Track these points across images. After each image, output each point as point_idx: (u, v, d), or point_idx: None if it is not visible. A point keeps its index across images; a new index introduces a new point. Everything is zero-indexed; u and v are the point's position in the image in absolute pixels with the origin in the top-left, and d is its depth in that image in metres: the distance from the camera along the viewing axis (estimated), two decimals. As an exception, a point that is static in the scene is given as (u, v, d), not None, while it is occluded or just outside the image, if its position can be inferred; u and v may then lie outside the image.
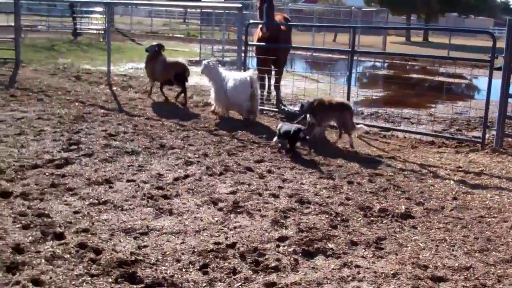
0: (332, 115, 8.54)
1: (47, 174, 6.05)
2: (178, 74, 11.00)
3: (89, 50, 22.35)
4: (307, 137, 7.66)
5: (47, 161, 6.50)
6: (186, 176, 6.31)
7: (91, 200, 5.36)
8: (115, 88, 12.42)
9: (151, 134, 8.24)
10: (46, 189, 5.56)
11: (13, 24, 15.74)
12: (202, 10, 36.92)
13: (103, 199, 5.38)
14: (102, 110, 9.78)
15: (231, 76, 9.84)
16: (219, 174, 6.47)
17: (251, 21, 12.37)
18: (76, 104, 10.23)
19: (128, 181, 6.02)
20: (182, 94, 11.18)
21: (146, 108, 10.28)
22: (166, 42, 28.41)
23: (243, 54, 10.86)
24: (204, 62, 10.29)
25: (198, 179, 6.24)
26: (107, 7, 14.95)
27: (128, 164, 6.65)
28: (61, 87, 11.89)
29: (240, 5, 11.06)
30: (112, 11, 33.45)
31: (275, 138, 8.10)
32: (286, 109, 11.12)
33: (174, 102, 11.20)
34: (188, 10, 48.67)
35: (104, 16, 31.97)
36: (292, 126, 7.78)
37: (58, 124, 8.51)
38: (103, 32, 29.58)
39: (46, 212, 4.97)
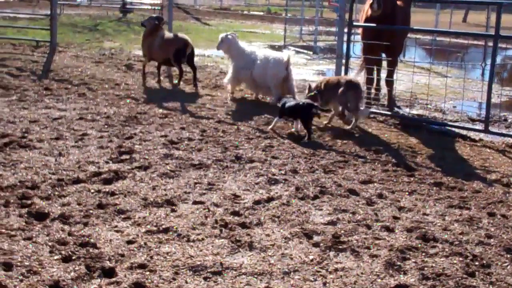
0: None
1: (92, 191, 6.27)
2: (177, 52, 11.95)
3: (142, 32, 22.95)
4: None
5: (92, 174, 6.73)
6: (270, 199, 6.35)
7: (148, 226, 5.50)
8: (175, 81, 12.71)
9: (224, 142, 8.37)
10: (91, 211, 5.76)
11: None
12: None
13: (163, 226, 5.51)
14: (161, 110, 10.04)
15: (261, 54, 11.00)
16: (313, 198, 6.48)
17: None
18: (128, 101, 10.56)
19: (195, 203, 6.13)
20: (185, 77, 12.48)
21: (217, 108, 10.46)
22: (241, 21, 28.92)
23: (345, 38, 10.82)
24: (222, 35, 11.35)
25: (286, 203, 6.27)
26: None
27: (195, 180, 6.77)
28: (108, 79, 12.32)
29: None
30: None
31: (275, 119, 9.19)
32: (401, 112, 10.98)
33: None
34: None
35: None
36: (300, 101, 8.66)
37: (105, 126, 8.81)
38: (159, 8, 30.36)
39: (92, 240, 5.14)
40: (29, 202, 5.89)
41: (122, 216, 5.72)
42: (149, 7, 31.68)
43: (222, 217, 5.79)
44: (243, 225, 5.68)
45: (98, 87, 11.58)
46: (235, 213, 5.94)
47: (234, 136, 8.75)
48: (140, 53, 16.24)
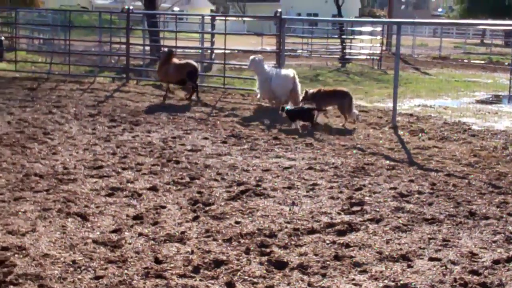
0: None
1: (327, 242, 6.35)
2: (190, 73, 15.81)
3: (362, 81, 23.21)
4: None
5: (325, 225, 6.83)
6: (510, 259, 6.05)
7: (386, 281, 5.45)
8: (401, 132, 12.64)
9: (455, 196, 8.14)
10: (328, 262, 5.83)
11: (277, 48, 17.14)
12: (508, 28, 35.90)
13: (401, 282, 5.43)
14: (388, 161, 10.00)
15: (276, 71, 14.78)
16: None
17: None
18: (354, 151, 10.64)
19: (431, 259, 5.99)
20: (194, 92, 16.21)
21: (445, 161, 10.22)
22: (461, 71, 28.26)
23: None
24: (251, 57, 14.98)
25: (530, 264, 5.94)
26: (393, 27, 15.40)
27: (429, 235, 6.64)
28: (333, 129, 12.50)
29: None
30: (390, 31, 34.44)
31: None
32: None
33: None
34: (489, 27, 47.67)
35: (379, 37, 33.15)
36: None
37: (334, 177, 8.93)
38: (377, 58, 30.55)
39: (331, 292, 5.19)
40: (268, 250, 6.08)
41: (359, 269, 5.72)
42: (367, 57, 32.03)
43: (461, 275, 5.60)
44: (483, 285, 5.46)
45: (324, 137, 11.78)
46: (474, 272, 5.72)
47: (466, 190, 8.47)
48: (362, 102, 16.45)
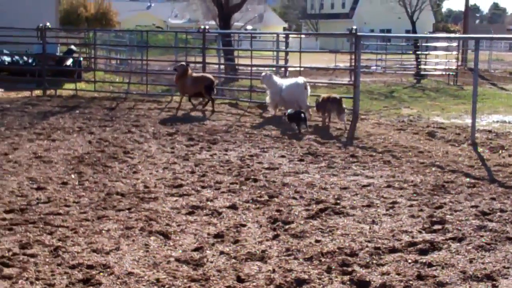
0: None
1: (409, 261, 6.28)
2: (207, 86, 16.81)
3: (438, 97, 22.91)
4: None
5: (407, 244, 6.76)
6: None
7: (472, 302, 5.36)
8: (480, 148, 12.41)
9: (540, 215, 7.93)
10: (411, 281, 5.77)
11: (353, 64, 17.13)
12: None
13: (487, 302, 5.33)
14: (468, 179, 9.83)
15: (286, 81, 16.33)
16: None
17: None
18: (433, 169, 10.50)
19: (517, 279, 5.87)
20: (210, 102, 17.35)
21: (529, 179, 9.98)
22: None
23: None
24: (263, 73, 16.85)
25: None
26: (469, 42, 15.18)
27: (514, 255, 6.50)
28: (411, 146, 12.38)
29: None
30: (465, 47, 33.89)
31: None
32: None
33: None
34: None
35: (455, 53, 32.66)
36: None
37: (414, 195, 8.84)
38: (453, 73, 30.09)
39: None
40: (349, 269, 6.06)
41: (443, 289, 5.65)
42: (443, 72, 31.58)
43: (549, 297, 5.47)
44: None
45: (402, 154, 11.66)
46: None
47: (551, 208, 8.25)
48: (438, 119, 16.24)
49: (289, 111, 14.51)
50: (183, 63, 17.81)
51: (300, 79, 15.90)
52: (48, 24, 21.16)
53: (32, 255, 6.33)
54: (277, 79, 16.47)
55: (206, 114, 16.71)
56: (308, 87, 15.92)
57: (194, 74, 17.35)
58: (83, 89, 21.44)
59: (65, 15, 57.45)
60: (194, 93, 17.14)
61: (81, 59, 25.52)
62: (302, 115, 14.13)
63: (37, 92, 20.03)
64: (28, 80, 21.61)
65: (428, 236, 7.03)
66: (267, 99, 16.53)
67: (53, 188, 8.96)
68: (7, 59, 23.90)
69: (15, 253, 6.37)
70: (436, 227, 7.38)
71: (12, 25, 22.53)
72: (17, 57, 24.11)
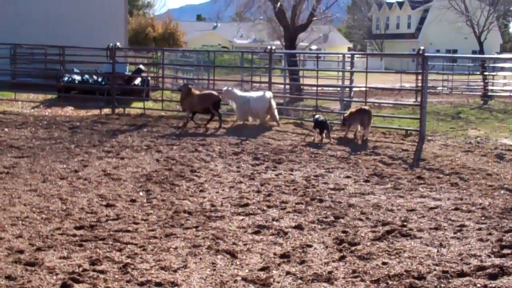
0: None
1: (478, 285, 6.17)
2: (215, 103, 17.57)
3: (506, 119, 22.46)
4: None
5: (476, 268, 6.63)
6: None
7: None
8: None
9: None
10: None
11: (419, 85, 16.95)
12: None
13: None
14: (538, 203, 9.61)
15: (253, 94, 17.92)
16: None
17: None
18: (502, 192, 10.29)
19: None
20: (217, 119, 17.86)
21: None
22: None
23: None
24: (224, 88, 18.06)
25: None
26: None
27: None
28: (479, 169, 12.17)
29: None
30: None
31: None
32: None
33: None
34: None
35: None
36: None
37: (482, 218, 8.68)
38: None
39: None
40: (417, 293, 6.00)
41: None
42: (511, 94, 30.99)
43: None
44: None
45: (470, 176, 11.47)
46: None
47: None
48: (507, 141, 15.91)
49: (316, 116, 15.78)
50: (186, 82, 19.39)
51: (268, 93, 17.55)
52: (118, 44, 21.58)
53: (102, 272, 6.45)
54: (240, 92, 18.25)
55: (271, 133, 16.73)
56: (274, 102, 17.73)
57: (198, 92, 18.37)
58: (150, 108, 21.75)
59: (134, 34, 58.62)
60: (203, 109, 17.90)
61: (149, 78, 25.97)
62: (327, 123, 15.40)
63: (106, 110, 20.41)
64: (97, 99, 22.06)
65: (497, 261, 6.89)
66: (236, 113, 17.99)
67: (122, 205, 9.13)
68: (77, 78, 24.46)
69: (85, 269, 6.51)
70: (505, 251, 7.22)
71: (82, 44, 23.15)
72: (87, 76, 24.66)
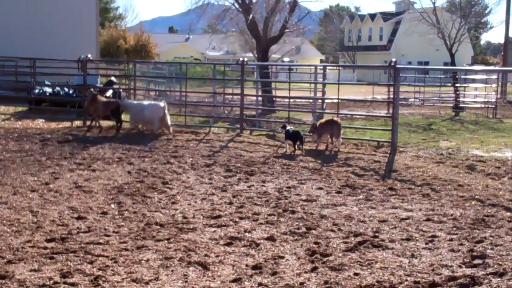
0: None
1: (450, 295, 6.23)
2: (113, 110, 18.46)
3: (477, 130, 22.72)
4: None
5: (447, 278, 6.69)
6: None
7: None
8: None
9: None
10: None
11: (391, 97, 17.09)
12: None
13: None
14: (509, 213, 9.71)
15: (147, 103, 19.17)
16: None
17: None
18: (473, 203, 10.40)
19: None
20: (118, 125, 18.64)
21: None
22: None
23: None
24: (119, 100, 19.16)
25: None
26: (508, 74, 15.10)
27: (557, 292, 6.39)
28: (450, 180, 12.28)
29: None
30: (504, 80, 33.66)
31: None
32: None
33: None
34: None
35: (494, 85, 32.47)
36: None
37: (453, 229, 8.76)
38: (493, 106, 29.88)
39: None
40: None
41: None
42: (482, 105, 31.36)
43: None
44: None
45: (441, 188, 11.57)
46: None
47: None
48: (478, 152, 16.09)
49: (287, 128, 16.02)
50: (91, 90, 19.81)
51: (162, 102, 18.61)
52: (89, 55, 21.49)
53: (73, 284, 6.42)
54: (133, 101, 20.04)
55: (243, 145, 16.74)
56: (167, 112, 18.51)
57: (103, 99, 19.33)
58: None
59: (105, 46, 58.42)
60: (104, 115, 19.10)
61: (121, 90, 25.84)
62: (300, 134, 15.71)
63: (78, 122, 20.30)
64: (68, 111, 21.92)
65: (468, 271, 6.96)
66: (130, 120, 18.84)
67: (93, 217, 9.08)
68: (48, 90, 24.27)
69: (56, 281, 6.46)
70: (476, 261, 7.30)
71: (53, 56, 23.00)
72: (58, 88, 24.48)
